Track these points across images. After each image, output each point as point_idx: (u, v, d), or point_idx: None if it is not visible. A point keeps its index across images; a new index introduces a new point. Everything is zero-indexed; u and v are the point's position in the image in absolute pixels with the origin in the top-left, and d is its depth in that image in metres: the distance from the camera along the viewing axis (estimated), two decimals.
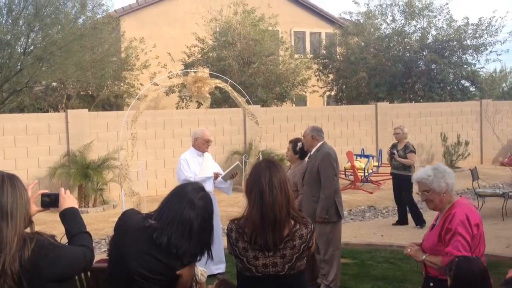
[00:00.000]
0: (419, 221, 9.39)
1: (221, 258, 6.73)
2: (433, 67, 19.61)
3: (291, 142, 6.60)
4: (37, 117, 12.61)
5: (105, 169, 11.84)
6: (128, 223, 2.79)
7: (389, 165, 10.03)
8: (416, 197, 8.24)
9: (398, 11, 20.35)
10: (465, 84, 20.54)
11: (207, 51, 18.06)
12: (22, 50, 14.22)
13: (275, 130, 14.89)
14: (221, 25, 17.92)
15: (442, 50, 19.35)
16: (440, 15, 20.03)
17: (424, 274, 3.81)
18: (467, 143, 16.93)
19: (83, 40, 14.75)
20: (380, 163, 14.74)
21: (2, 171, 2.54)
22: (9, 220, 2.41)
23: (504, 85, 31.87)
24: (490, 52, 19.85)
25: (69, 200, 2.74)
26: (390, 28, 20.60)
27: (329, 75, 21.53)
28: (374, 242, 8.45)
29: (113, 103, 18.81)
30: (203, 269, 3.78)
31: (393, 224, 9.72)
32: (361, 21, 20.70)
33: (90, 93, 18.24)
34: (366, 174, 13.70)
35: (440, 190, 3.68)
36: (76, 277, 2.70)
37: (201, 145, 6.78)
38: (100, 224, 10.20)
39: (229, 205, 10.99)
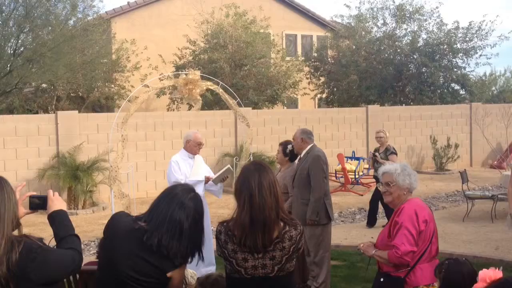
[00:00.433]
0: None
1: (211, 260, 6.72)
2: (423, 70, 19.71)
3: (281, 144, 6.61)
4: (27, 118, 12.53)
5: (95, 171, 11.79)
6: (118, 226, 2.77)
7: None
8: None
9: (389, 15, 20.45)
10: (455, 88, 20.65)
11: (199, 53, 18.05)
12: (12, 51, 14.13)
13: (266, 132, 14.90)
14: (212, 27, 17.92)
15: (432, 54, 19.45)
16: (430, 18, 20.15)
17: (378, 269, 3.86)
18: (456, 146, 17.03)
19: (73, 42, 14.67)
20: (370, 165, 14.77)
21: None
22: None
23: (493, 88, 32.07)
24: (480, 55, 19.99)
25: (57, 202, 2.72)
26: (381, 31, 20.70)
27: (320, 77, 21.58)
28: None
29: (104, 105, 18.74)
30: (193, 271, 3.78)
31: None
32: (352, 24, 20.77)
33: (80, 94, 18.16)
34: (357, 176, 13.74)
35: (402, 186, 3.76)
36: (65, 280, 2.67)
37: (192, 147, 6.76)
38: (90, 226, 10.14)
39: (219, 207, 10.97)
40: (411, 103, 20.25)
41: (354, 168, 13.89)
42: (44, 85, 16.74)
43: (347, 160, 14.37)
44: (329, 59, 21.68)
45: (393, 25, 20.38)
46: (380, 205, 9.77)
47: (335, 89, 21.34)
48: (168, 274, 2.69)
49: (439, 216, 10.68)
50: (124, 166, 9.16)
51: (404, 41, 20.29)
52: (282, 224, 2.96)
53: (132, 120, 11.46)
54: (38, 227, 8.81)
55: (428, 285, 3.64)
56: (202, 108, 14.28)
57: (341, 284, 6.57)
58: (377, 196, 9.45)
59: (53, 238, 2.67)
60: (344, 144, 16.10)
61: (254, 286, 2.97)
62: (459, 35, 19.75)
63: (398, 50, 19.96)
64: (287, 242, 2.94)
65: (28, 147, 12.00)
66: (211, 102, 16.59)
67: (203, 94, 10.05)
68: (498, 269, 2.61)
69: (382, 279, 3.73)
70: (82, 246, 2.88)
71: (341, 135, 16.21)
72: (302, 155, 6.23)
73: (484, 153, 18.57)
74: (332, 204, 6.27)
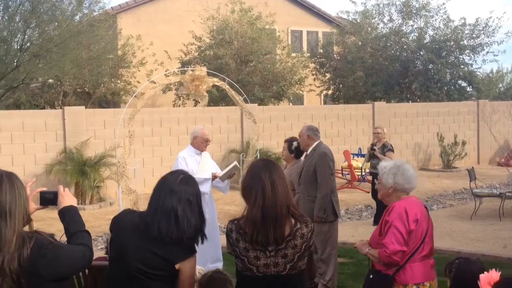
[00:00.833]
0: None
1: (219, 256, 6.72)
2: (430, 67, 19.63)
3: (286, 141, 6.59)
4: (34, 113, 12.56)
5: (102, 167, 11.80)
6: (124, 222, 2.84)
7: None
8: None
9: (395, 11, 20.36)
10: (462, 84, 20.56)
11: (204, 49, 18.03)
12: (18, 47, 14.16)
13: (272, 129, 14.87)
14: (218, 23, 17.89)
15: (439, 50, 19.36)
16: (437, 15, 20.06)
17: (371, 267, 3.85)
18: (464, 143, 16.94)
19: (79, 37, 14.69)
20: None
21: (1, 170, 2.52)
22: (8, 219, 2.39)
23: (500, 85, 31.93)
24: (487, 52, 19.90)
25: (68, 198, 2.72)
26: (387, 27, 20.62)
27: (326, 74, 21.53)
28: None
29: (110, 101, 18.76)
30: (201, 267, 3.78)
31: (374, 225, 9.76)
32: (358, 20, 20.70)
33: (86, 90, 18.19)
34: (363, 173, 13.71)
35: (386, 184, 3.76)
36: (74, 275, 2.69)
37: (200, 144, 6.74)
38: (97, 221, 10.16)
39: (226, 203, 10.98)
40: (418, 100, 20.18)
41: (360, 165, 13.85)
42: (50, 81, 16.78)
43: (353, 157, 14.33)
44: (335, 55, 21.62)
45: (400, 21, 20.30)
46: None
47: (341, 85, 21.29)
48: (176, 266, 2.73)
49: (447, 214, 10.65)
50: (131, 162, 9.16)
51: (411, 37, 20.20)
52: (293, 221, 2.95)
53: (139, 116, 11.45)
54: (46, 222, 8.83)
55: (418, 284, 3.61)
56: (208, 105, 14.28)
57: (348, 281, 6.56)
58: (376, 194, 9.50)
59: (64, 234, 2.68)
60: (350, 141, 16.05)
61: (266, 285, 2.96)
62: (466, 31, 19.65)
63: (405, 47, 19.88)
64: (298, 240, 2.94)
65: (35, 143, 12.02)
66: (217, 98, 16.57)
67: (209, 90, 10.03)
68: (497, 270, 2.62)
69: (371, 276, 3.73)
70: None
71: (347, 132, 16.16)
72: (308, 152, 6.21)
73: (492, 150, 18.48)
74: (338, 201, 6.25)
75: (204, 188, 6.57)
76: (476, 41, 19.68)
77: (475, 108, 18.29)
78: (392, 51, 20.13)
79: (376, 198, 9.74)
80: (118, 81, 18.41)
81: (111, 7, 20.01)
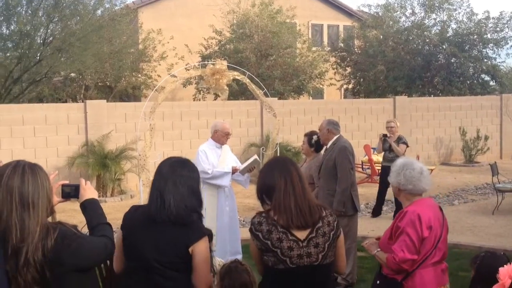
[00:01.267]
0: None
1: (238, 249, 6.75)
2: (452, 60, 19.39)
3: (306, 135, 6.58)
4: (56, 107, 12.72)
5: (123, 160, 11.92)
6: (133, 218, 2.94)
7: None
8: None
9: (417, 4, 20.17)
10: (485, 78, 20.30)
11: (224, 43, 18.04)
12: (41, 41, 14.34)
13: (292, 123, 14.85)
14: (238, 17, 17.89)
15: (462, 44, 19.11)
16: (460, 8, 19.82)
17: (378, 269, 3.73)
18: (486, 138, 16.71)
19: (101, 32, 14.82)
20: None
21: (24, 161, 2.56)
22: (31, 210, 2.43)
23: None
24: (511, 46, 19.61)
25: (89, 191, 2.77)
26: (409, 21, 20.41)
27: (347, 68, 21.40)
28: None
29: (131, 94, 18.92)
30: (220, 260, 3.81)
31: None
32: (380, 13, 20.54)
33: (108, 84, 18.36)
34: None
35: (392, 183, 3.65)
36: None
37: (220, 137, 6.76)
38: (118, 214, 10.24)
39: (245, 197, 11.00)
40: (440, 94, 19.96)
41: (380, 159, 13.73)
42: (72, 74, 16.97)
43: (373, 151, 14.23)
44: (355, 49, 21.47)
45: (422, 14, 20.08)
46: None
47: (361, 79, 21.14)
48: (190, 250, 2.78)
49: (468, 208, 10.54)
50: (152, 155, 9.24)
51: (433, 31, 19.98)
52: (320, 208, 3.03)
53: (159, 110, 11.53)
54: (67, 213, 8.97)
55: None
56: (228, 98, 14.31)
57: (367, 275, 6.53)
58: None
59: (85, 225, 2.72)
60: (370, 135, 15.93)
61: (298, 276, 2.95)
62: (490, 25, 19.37)
63: (427, 40, 19.65)
64: (326, 228, 2.99)
65: (58, 136, 12.18)
66: (237, 92, 16.59)
67: (229, 84, 10.06)
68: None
69: (378, 281, 3.61)
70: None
71: (368, 126, 16.05)
72: (328, 146, 6.20)
73: None
74: (358, 195, 6.24)
75: (224, 181, 6.60)
76: (500, 34, 19.41)
77: (498, 102, 18.02)
78: (414, 45, 19.93)
79: (381, 191, 10.07)
80: (139, 75, 18.55)
81: (132, 1, 20.16)
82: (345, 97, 23.34)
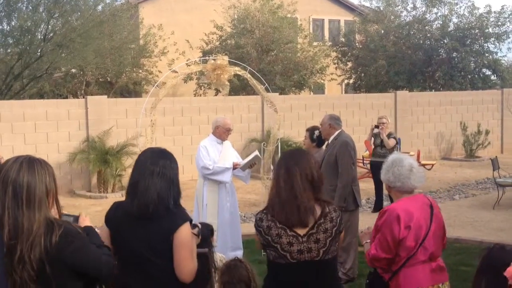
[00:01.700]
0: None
1: (239, 244, 6.76)
2: (454, 55, 19.35)
3: (308, 130, 6.59)
4: (57, 103, 12.72)
5: (124, 155, 11.92)
6: (116, 215, 2.99)
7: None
8: None
9: None
10: (487, 73, 20.26)
11: (225, 39, 18.01)
12: (42, 37, 14.33)
13: (293, 118, 14.84)
14: (239, 12, 17.85)
15: (463, 38, 19.07)
16: (461, 2, 19.78)
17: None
18: (487, 132, 16.69)
19: (102, 27, 14.82)
20: (399, 152, 14.62)
21: (26, 156, 2.52)
22: (25, 208, 2.37)
23: None
24: None
25: (87, 221, 2.79)
26: (410, 15, 20.37)
27: (348, 63, 21.37)
28: None
29: (132, 90, 18.91)
30: (222, 255, 3.80)
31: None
32: (381, 8, 20.49)
33: (108, 79, 18.36)
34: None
35: (383, 180, 3.61)
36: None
37: (221, 133, 6.76)
38: None
39: (247, 192, 11.02)
40: (441, 88, 19.93)
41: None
42: (73, 70, 16.97)
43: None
44: (356, 44, 21.43)
45: (423, 9, 20.04)
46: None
47: (362, 74, 21.12)
48: (174, 235, 2.80)
49: (469, 203, 10.55)
50: None
51: (434, 25, 19.93)
52: (324, 204, 3.01)
53: (160, 105, 11.51)
54: (66, 210, 8.98)
55: None
56: (229, 94, 14.30)
57: (368, 270, 6.54)
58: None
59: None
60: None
61: (299, 271, 2.96)
62: (491, 19, 19.32)
63: (428, 35, 19.62)
64: (328, 224, 2.98)
65: (58, 131, 12.19)
66: (238, 88, 16.58)
67: (231, 80, 10.04)
68: None
69: (367, 281, 3.66)
70: None
71: (369, 121, 16.01)
72: (330, 141, 6.20)
73: None
74: (359, 190, 6.24)
75: (225, 177, 6.60)
76: (502, 29, 19.37)
77: (499, 97, 17.99)
78: (416, 40, 19.88)
79: (376, 186, 10.15)
80: (140, 71, 18.54)
81: None
82: (346, 92, 23.32)
